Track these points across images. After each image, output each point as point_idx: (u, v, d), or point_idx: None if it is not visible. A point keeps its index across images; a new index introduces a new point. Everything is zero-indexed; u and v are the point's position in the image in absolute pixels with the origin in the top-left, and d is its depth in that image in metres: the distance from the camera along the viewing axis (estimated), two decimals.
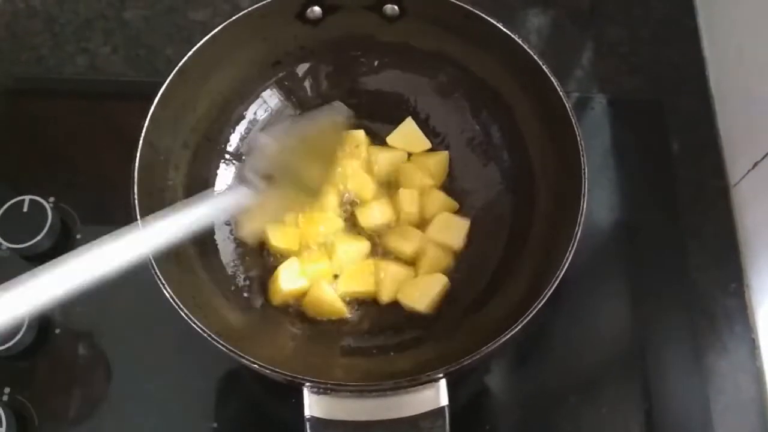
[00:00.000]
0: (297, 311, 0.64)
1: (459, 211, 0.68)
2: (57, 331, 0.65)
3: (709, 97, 0.79)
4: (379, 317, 0.64)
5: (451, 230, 0.66)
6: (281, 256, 0.65)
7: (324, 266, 0.64)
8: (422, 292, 0.63)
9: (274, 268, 0.64)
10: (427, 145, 0.70)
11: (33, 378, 0.64)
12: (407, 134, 0.70)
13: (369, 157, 0.69)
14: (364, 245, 0.66)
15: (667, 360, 0.66)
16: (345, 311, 0.63)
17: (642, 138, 0.77)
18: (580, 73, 0.81)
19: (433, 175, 0.69)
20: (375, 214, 0.67)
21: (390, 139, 0.70)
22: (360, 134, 0.70)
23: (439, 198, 0.68)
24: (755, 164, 0.70)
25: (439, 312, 0.63)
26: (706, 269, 0.70)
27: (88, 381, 0.64)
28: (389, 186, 0.69)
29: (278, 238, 0.65)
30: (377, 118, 0.71)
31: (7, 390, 0.63)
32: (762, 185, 0.70)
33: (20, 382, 0.63)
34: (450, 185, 0.69)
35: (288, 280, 0.63)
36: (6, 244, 0.66)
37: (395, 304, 0.64)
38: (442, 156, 0.70)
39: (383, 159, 0.69)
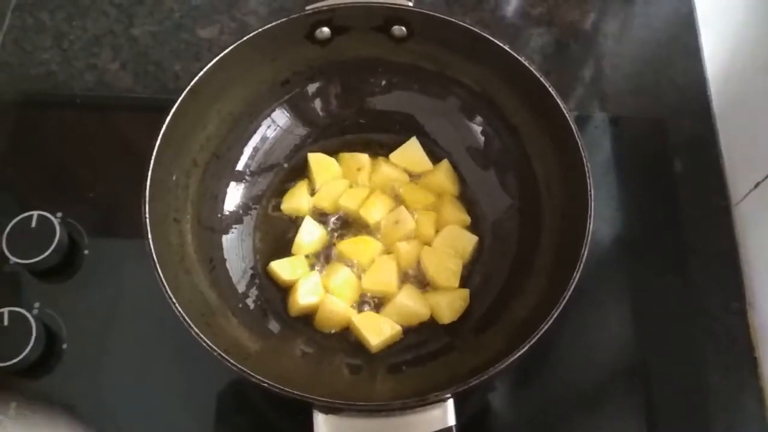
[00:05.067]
0: (307, 329, 0.64)
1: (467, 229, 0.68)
2: (64, 346, 0.66)
3: (711, 116, 0.79)
4: None
5: (458, 243, 0.67)
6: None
7: (344, 279, 0.65)
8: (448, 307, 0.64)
9: (285, 286, 0.65)
10: (428, 166, 0.70)
11: (39, 393, 0.64)
12: (410, 153, 0.71)
13: (371, 170, 0.70)
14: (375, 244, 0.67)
15: (669, 378, 0.67)
16: (355, 317, 0.63)
17: (645, 157, 0.78)
18: (583, 92, 0.82)
19: (442, 189, 0.69)
20: (377, 207, 0.68)
21: (393, 157, 0.71)
22: (363, 157, 0.70)
23: (449, 211, 0.68)
24: (757, 184, 0.71)
25: (446, 331, 0.64)
26: (708, 288, 0.71)
27: (95, 396, 0.64)
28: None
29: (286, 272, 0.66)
30: (386, 138, 0.72)
31: (14, 404, 0.63)
32: (763, 205, 0.70)
33: (27, 397, 0.63)
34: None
35: (306, 294, 0.63)
36: (14, 259, 0.67)
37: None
38: (443, 167, 0.70)
39: (384, 173, 0.70)
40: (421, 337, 0.64)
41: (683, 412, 0.66)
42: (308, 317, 0.64)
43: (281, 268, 0.65)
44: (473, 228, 0.68)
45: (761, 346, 0.68)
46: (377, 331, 0.62)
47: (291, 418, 0.61)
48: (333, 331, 0.64)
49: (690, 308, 0.70)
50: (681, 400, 0.66)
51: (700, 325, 0.69)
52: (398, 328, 0.63)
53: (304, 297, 0.63)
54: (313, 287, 0.64)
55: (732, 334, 0.69)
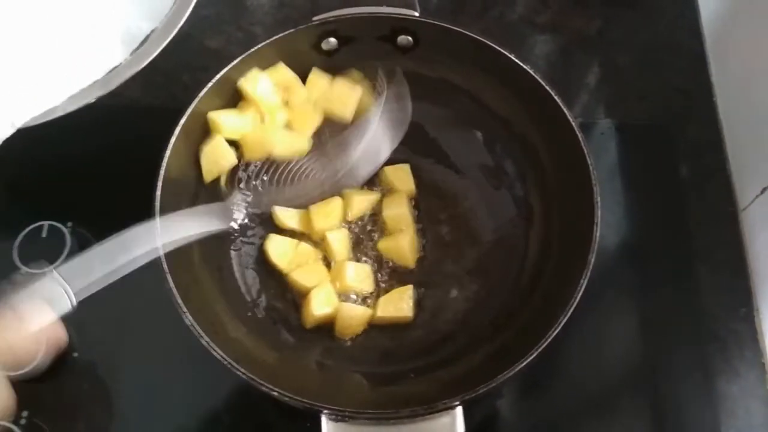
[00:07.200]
0: (316, 336, 0.64)
1: (474, 239, 0.68)
2: (75, 354, 0.66)
3: (717, 122, 0.79)
4: (395, 344, 0.64)
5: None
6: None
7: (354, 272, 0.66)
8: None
9: (294, 294, 0.65)
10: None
11: (51, 401, 0.64)
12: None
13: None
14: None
15: (677, 384, 0.66)
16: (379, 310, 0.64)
17: (651, 163, 0.78)
18: (589, 98, 0.82)
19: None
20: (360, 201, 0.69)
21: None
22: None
23: None
24: (764, 189, 0.71)
25: (454, 338, 0.64)
26: (715, 294, 0.70)
27: (105, 404, 0.65)
28: None
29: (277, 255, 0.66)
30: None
31: (25, 413, 0.63)
32: None
33: (38, 406, 0.64)
34: (463, 213, 0.70)
35: (319, 305, 0.63)
36: (25, 269, 0.67)
37: (413, 331, 0.65)
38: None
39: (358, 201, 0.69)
40: (431, 345, 0.64)
41: (691, 419, 0.65)
42: (320, 327, 0.65)
43: (302, 277, 0.65)
44: (481, 237, 0.68)
45: None
46: (403, 306, 0.64)
47: (300, 426, 0.61)
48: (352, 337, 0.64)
49: (697, 314, 0.70)
50: (689, 406, 0.66)
51: (708, 330, 0.69)
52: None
53: (318, 308, 0.63)
54: (326, 297, 0.64)
55: (740, 339, 0.69)
